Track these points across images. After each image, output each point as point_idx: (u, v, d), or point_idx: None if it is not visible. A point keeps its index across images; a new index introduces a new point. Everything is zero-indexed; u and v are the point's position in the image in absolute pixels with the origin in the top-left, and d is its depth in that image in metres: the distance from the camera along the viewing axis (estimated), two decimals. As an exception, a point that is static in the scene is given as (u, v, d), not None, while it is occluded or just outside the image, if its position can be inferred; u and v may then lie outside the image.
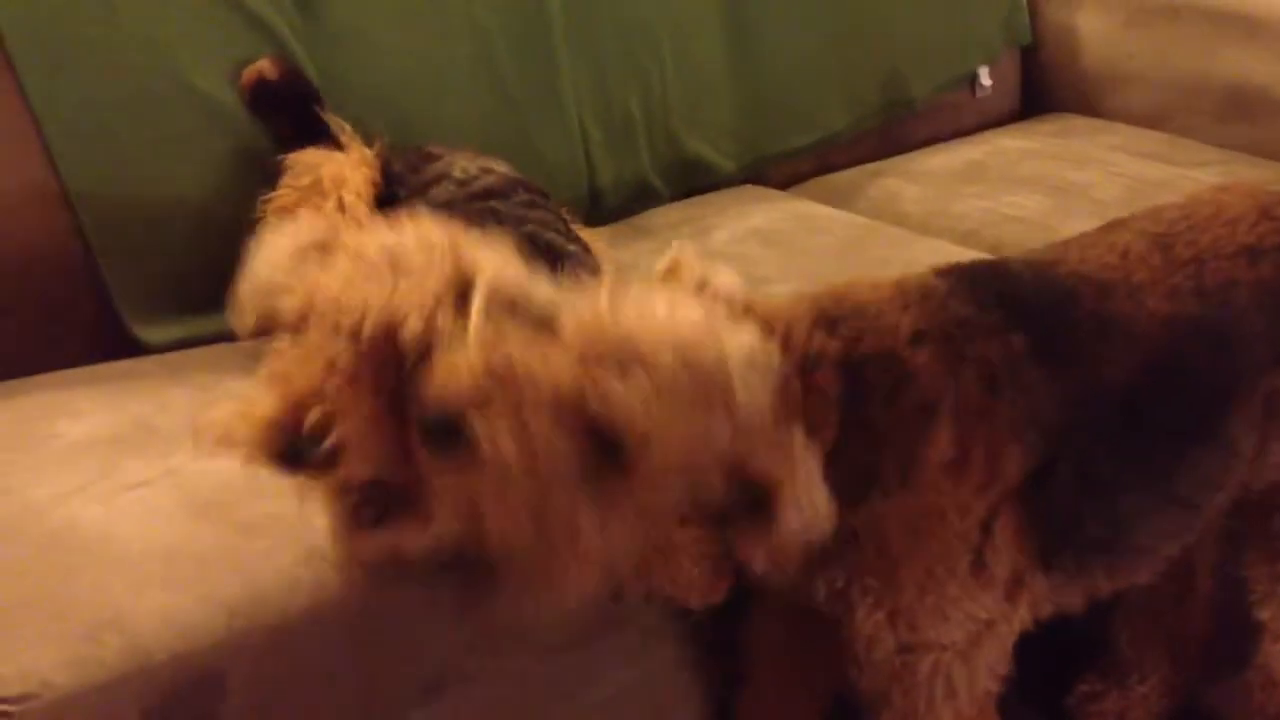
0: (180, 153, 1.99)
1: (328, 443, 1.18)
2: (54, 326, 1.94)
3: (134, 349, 1.95)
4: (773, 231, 2.29)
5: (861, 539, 1.36)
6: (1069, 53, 3.04)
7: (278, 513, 1.46)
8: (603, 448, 1.12)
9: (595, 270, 1.77)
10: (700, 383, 1.12)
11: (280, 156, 1.91)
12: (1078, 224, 2.27)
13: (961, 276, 1.42)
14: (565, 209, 2.12)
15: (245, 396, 1.24)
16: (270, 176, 1.89)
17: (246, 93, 2.01)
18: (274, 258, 1.30)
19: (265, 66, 2.00)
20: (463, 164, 1.88)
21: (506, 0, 2.32)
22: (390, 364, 1.19)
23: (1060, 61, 3.05)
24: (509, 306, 1.20)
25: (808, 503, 1.22)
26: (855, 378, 1.32)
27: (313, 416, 1.18)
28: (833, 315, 1.36)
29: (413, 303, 1.20)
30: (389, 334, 1.19)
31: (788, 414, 1.24)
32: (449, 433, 1.12)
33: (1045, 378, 1.36)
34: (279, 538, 1.42)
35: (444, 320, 1.19)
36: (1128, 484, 1.42)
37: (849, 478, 1.31)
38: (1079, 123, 2.94)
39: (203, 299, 1.99)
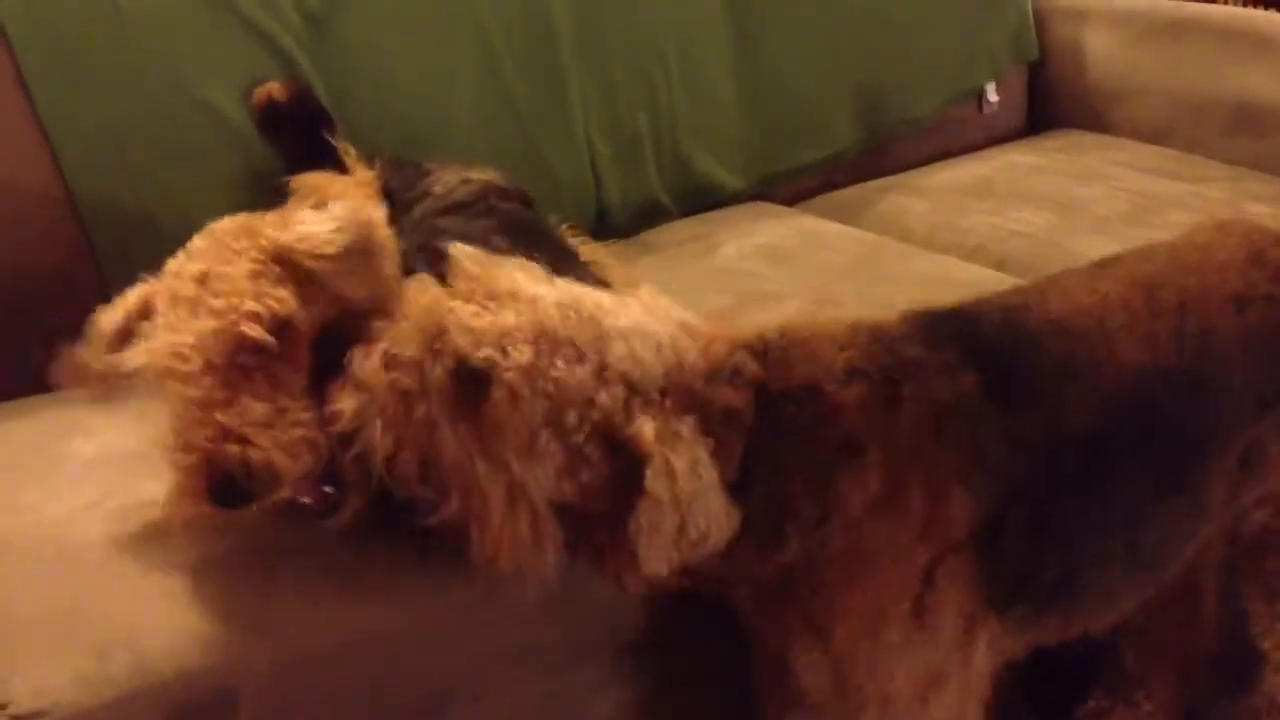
0: (191, 169, 2.01)
1: (257, 461, 1.28)
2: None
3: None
4: (780, 248, 2.30)
5: (798, 580, 1.32)
6: (1076, 69, 3.05)
7: (287, 531, 1.47)
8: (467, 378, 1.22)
9: (595, 281, 1.79)
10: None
11: (286, 179, 1.92)
12: (1084, 239, 2.30)
13: (920, 319, 1.39)
14: (570, 223, 2.14)
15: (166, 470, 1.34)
16: (278, 198, 1.90)
17: (256, 113, 2.03)
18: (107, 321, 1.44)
19: (275, 88, 2.02)
20: (446, 178, 1.90)
21: (515, 17, 2.34)
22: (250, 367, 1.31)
23: (1067, 77, 3.06)
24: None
25: (687, 487, 1.21)
26: (772, 408, 1.29)
27: (229, 452, 1.28)
28: (768, 342, 1.34)
29: (235, 303, 1.31)
30: (235, 344, 1.31)
31: (679, 407, 1.25)
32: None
33: (998, 421, 1.32)
34: (289, 555, 1.43)
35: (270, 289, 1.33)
36: (1088, 534, 1.38)
37: (761, 511, 1.29)
38: (1086, 138, 2.95)
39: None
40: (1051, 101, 3.09)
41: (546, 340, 1.24)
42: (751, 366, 1.30)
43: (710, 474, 1.24)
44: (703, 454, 1.24)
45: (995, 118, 3.02)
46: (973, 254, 2.31)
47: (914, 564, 1.30)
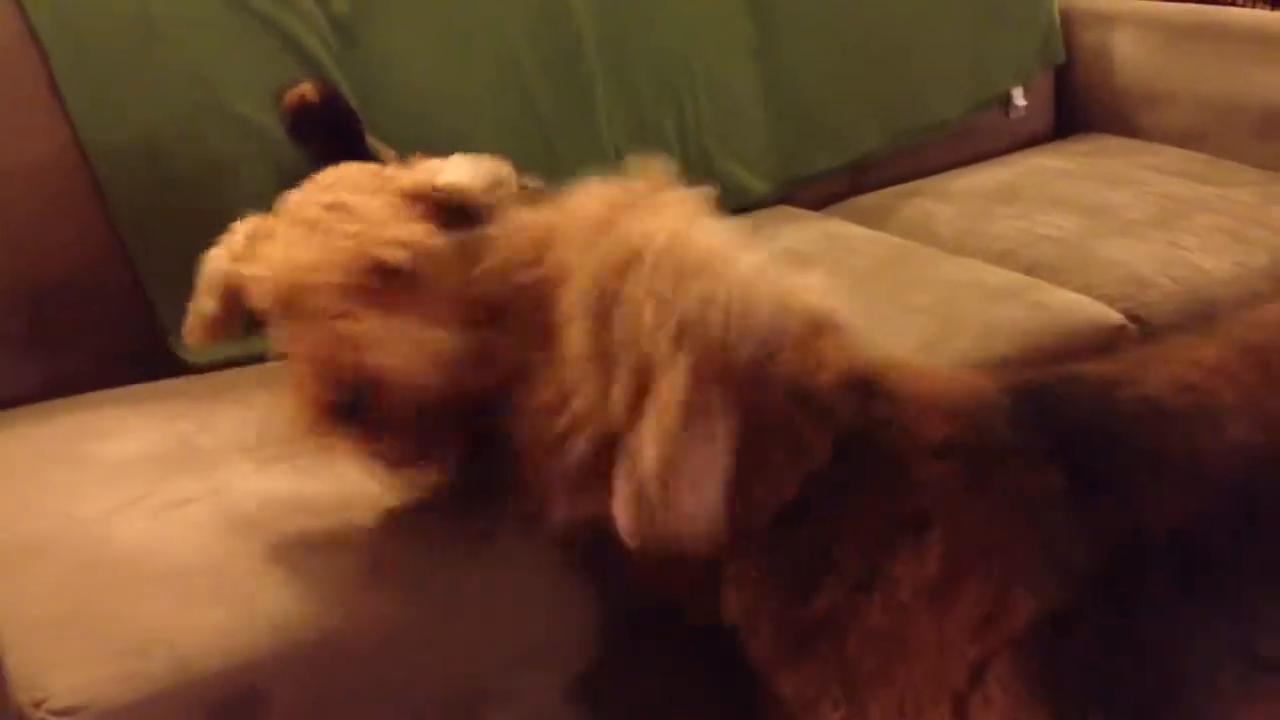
0: (223, 175, 2.02)
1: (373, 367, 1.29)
2: (100, 347, 1.96)
3: (178, 369, 1.97)
4: (805, 252, 2.30)
5: (827, 647, 1.24)
6: (1103, 72, 3.03)
7: (319, 530, 1.49)
8: None
9: None
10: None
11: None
12: (1113, 244, 2.30)
13: (1013, 392, 1.28)
14: None
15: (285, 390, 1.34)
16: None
17: (289, 115, 2.03)
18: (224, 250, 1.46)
19: (308, 90, 2.03)
20: None
21: (541, 26, 2.35)
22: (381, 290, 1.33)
23: (1095, 81, 3.05)
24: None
25: (679, 459, 1.15)
26: (851, 457, 1.22)
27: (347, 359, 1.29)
28: (878, 386, 1.27)
29: (370, 229, 1.34)
30: (369, 265, 1.34)
31: (722, 391, 1.18)
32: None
33: (1080, 520, 1.21)
34: (321, 555, 1.45)
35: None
36: (1190, 643, 1.22)
37: (803, 553, 1.22)
38: (1113, 143, 2.93)
39: (246, 320, 2.01)
40: (1079, 106, 3.08)
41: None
42: (846, 412, 1.23)
43: (716, 467, 1.18)
44: (720, 437, 1.17)
45: (1022, 122, 3.00)
46: (1001, 258, 2.31)
47: (962, 662, 1.20)
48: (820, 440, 1.22)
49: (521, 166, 2.01)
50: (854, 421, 1.24)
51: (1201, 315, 2.12)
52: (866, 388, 1.26)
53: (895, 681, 1.21)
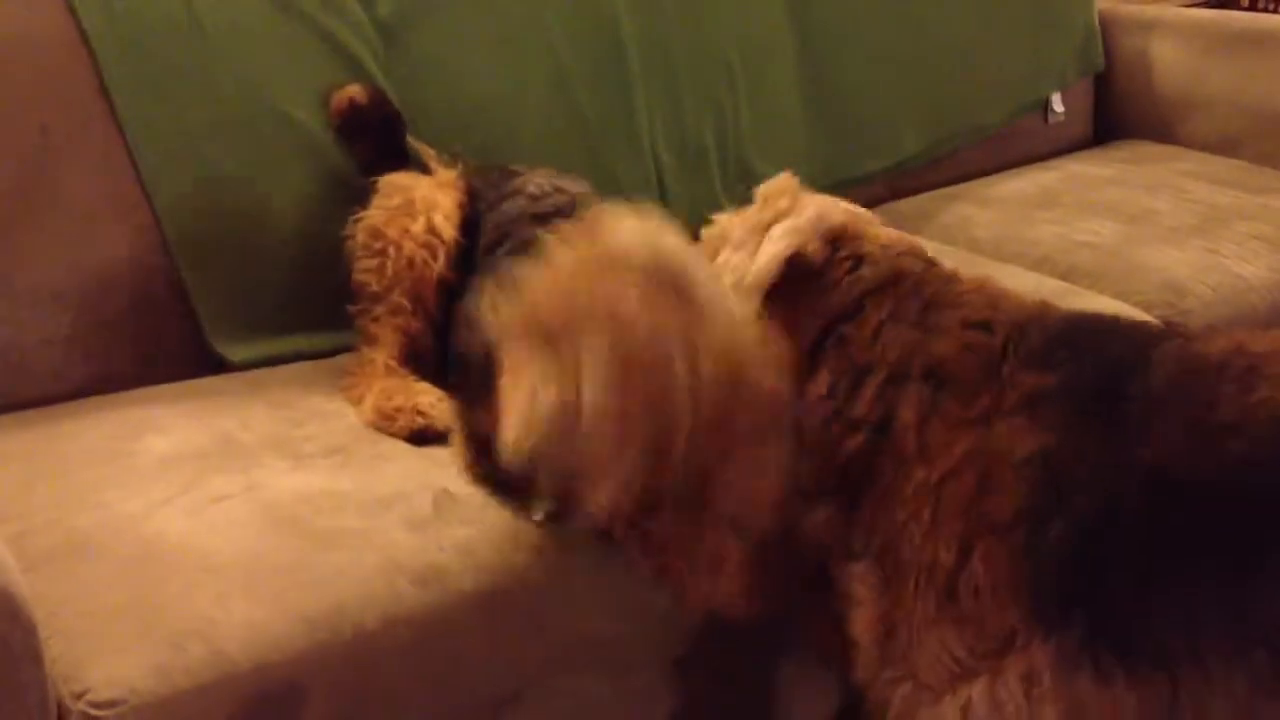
0: (267, 176, 2.05)
1: None
2: (144, 345, 1.99)
3: (220, 367, 2.00)
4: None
5: (860, 508, 1.38)
6: (1142, 79, 3.03)
7: (356, 526, 1.51)
8: None
9: None
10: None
11: (372, 178, 1.96)
12: (1151, 250, 2.29)
13: (1075, 317, 1.41)
14: None
15: None
16: (359, 197, 1.94)
17: (337, 118, 2.06)
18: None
19: (356, 92, 2.06)
20: (538, 181, 1.91)
21: (583, 29, 2.37)
22: None
23: (1134, 88, 3.05)
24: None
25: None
26: (900, 285, 1.43)
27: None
28: (947, 270, 1.48)
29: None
30: None
31: None
32: None
33: (1072, 427, 1.28)
34: (358, 550, 1.46)
35: None
36: (1178, 582, 1.25)
37: (845, 369, 1.40)
38: (1153, 149, 2.93)
39: (286, 319, 2.05)
40: (1118, 112, 3.08)
41: None
42: (908, 261, 1.48)
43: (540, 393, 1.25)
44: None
45: (1061, 128, 3.00)
46: (1039, 264, 2.31)
47: (951, 534, 1.30)
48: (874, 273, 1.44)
49: (563, 168, 2.05)
50: (912, 275, 1.45)
51: (1239, 321, 2.11)
52: (931, 262, 1.48)
53: (903, 547, 1.33)
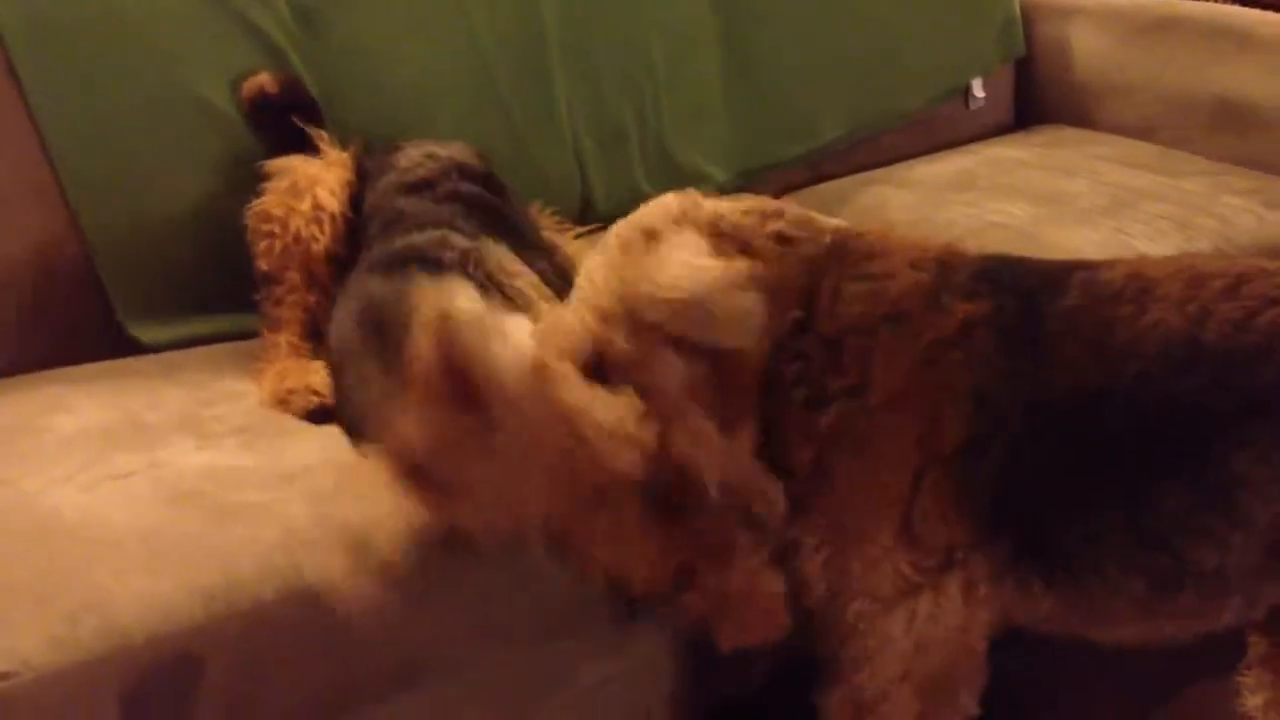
0: (180, 158, 2.05)
1: None
2: (59, 328, 1.99)
3: (133, 349, 2.00)
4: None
5: (821, 467, 1.42)
6: (1062, 65, 3.06)
7: (257, 500, 1.52)
8: None
9: (557, 267, 1.90)
10: None
11: (262, 163, 1.97)
12: (1061, 230, 2.33)
13: (988, 256, 1.49)
14: (554, 213, 2.24)
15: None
16: (256, 182, 1.95)
17: (247, 105, 2.07)
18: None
19: (266, 80, 2.07)
20: (410, 153, 1.96)
21: (504, 17, 2.38)
22: None
23: (1054, 74, 3.08)
24: None
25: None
26: (841, 251, 1.44)
27: None
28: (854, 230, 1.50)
29: None
30: None
31: None
32: None
33: (998, 357, 1.37)
34: (257, 525, 1.48)
35: None
36: (1074, 492, 1.38)
37: (816, 354, 1.41)
38: (1071, 134, 2.96)
39: (200, 300, 2.05)
40: (1039, 98, 3.11)
41: None
42: (820, 219, 1.49)
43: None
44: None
45: (984, 113, 3.03)
46: (951, 244, 2.34)
47: (908, 471, 1.39)
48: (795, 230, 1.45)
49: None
50: (834, 246, 1.46)
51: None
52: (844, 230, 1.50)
53: (863, 494, 1.41)
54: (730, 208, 1.48)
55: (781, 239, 1.46)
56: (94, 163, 1.99)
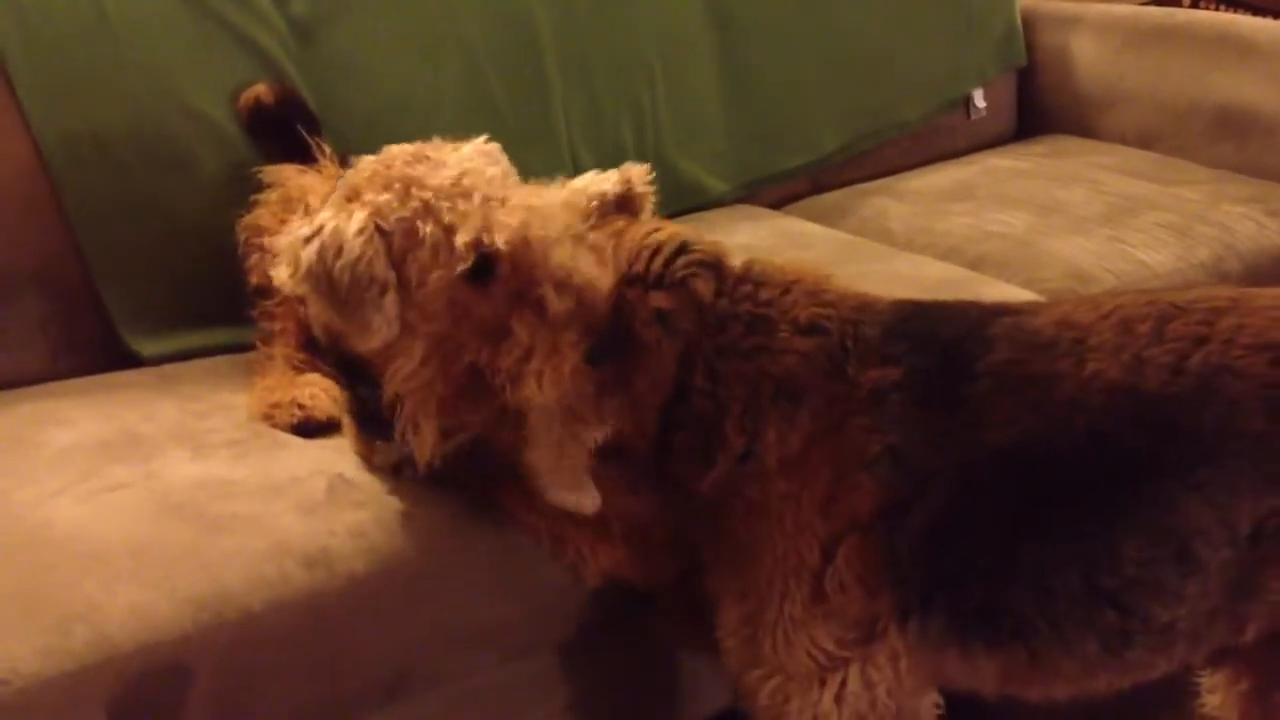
0: (177, 172, 2.06)
1: None
2: (56, 340, 2.00)
3: (129, 362, 2.01)
4: (757, 247, 2.33)
5: (720, 526, 1.37)
6: (1063, 75, 3.07)
7: (248, 512, 1.52)
8: None
9: None
10: None
11: (259, 169, 1.98)
12: (1059, 240, 2.33)
13: (901, 307, 1.40)
14: None
15: None
16: (253, 191, 1.96)
17: (244, 115, 2.08)
18: None
19: (262, 90, 2.07)
20: None
21: (499, 29, 2.38)
22: None
23: (1055, 84, 3.09)
24: None
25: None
26: (719, 327, 1.36)
27: None
28: (742, 270, 1.41)
29: None
30: None
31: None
32: None
33: (919, 419, 1.31)
34: (246, 536, 1.48)
35: None
36: (1021, 558, 1.31)
37: (695, 428, 1.36)
38: (1071, 143, 2.97)
39: (197, 313, 2.06)
40: (1040, 108, 3.12)
41: None
42: (702, 284, 1.37)
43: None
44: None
45: (984, 123, 3.04)
46: (948, 254, 2.34)
47: (814, 539, 1.32)
48: (675, 305, 1.36)
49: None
50: (710, 295, 1.37)
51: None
52: (734, 269, 1.41)
53: (768, 554, 1.34)
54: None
55: (661, 317, 1.38)
56: (91, 176, 2.00)
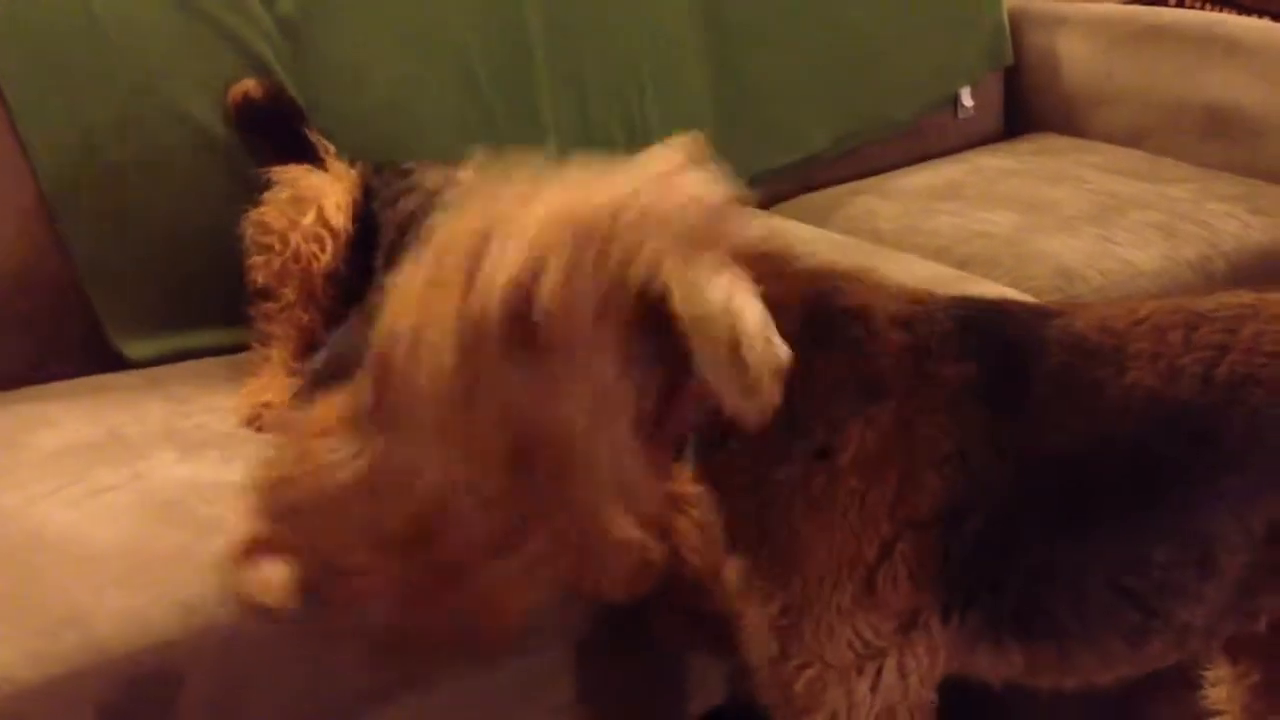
0: (165, 173, 2.05)
1: None
2: (42, 342, 1.99)
3: (117, 363, 2.00)
4: (748, 248, 2.33)
5: (772, 522, 1.34)
6: (1051, 74, 3.07)
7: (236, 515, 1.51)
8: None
9: None
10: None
11: (265, 170, 1.97)
12: (1046, 238, 2.34)
13: (962, 301, 1.39)
14: None
15: None
16: (258, 193, 1.95)
17: (234, 111, 2.07)
18: None
19: (251, 86, 2.07)
20: (434, 175, 1.93)
21: (489, 28, 2.38)
22: None
23: (1042, 83, 3.09)
24: None
25: (720, 299, 1.13)
26: (820, 318, 1.29)
27: None
28: (826, 272, 1.35)
29: None
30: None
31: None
32: None
33: (987, 421, 1.31)
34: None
35: None
36: (1060, 562, 1.33)
37: (782, 417, 1.27)
38: (1060, 142, 2.97)
39: (186, 315, 2.05)
40: (1027, 106, 3.12)
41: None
42: (808, 295, 1.30)
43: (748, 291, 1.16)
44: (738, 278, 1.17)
45: (971, 123, 3.04)
46: (937, 254, 2.34)
47: (877, 536, 1.31)
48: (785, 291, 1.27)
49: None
50: (816, 300, 1.31)
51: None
52: (823, 278, 1.34)
53: (824, 550, 1.31)
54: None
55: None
56: (78, 176, 1.99)
